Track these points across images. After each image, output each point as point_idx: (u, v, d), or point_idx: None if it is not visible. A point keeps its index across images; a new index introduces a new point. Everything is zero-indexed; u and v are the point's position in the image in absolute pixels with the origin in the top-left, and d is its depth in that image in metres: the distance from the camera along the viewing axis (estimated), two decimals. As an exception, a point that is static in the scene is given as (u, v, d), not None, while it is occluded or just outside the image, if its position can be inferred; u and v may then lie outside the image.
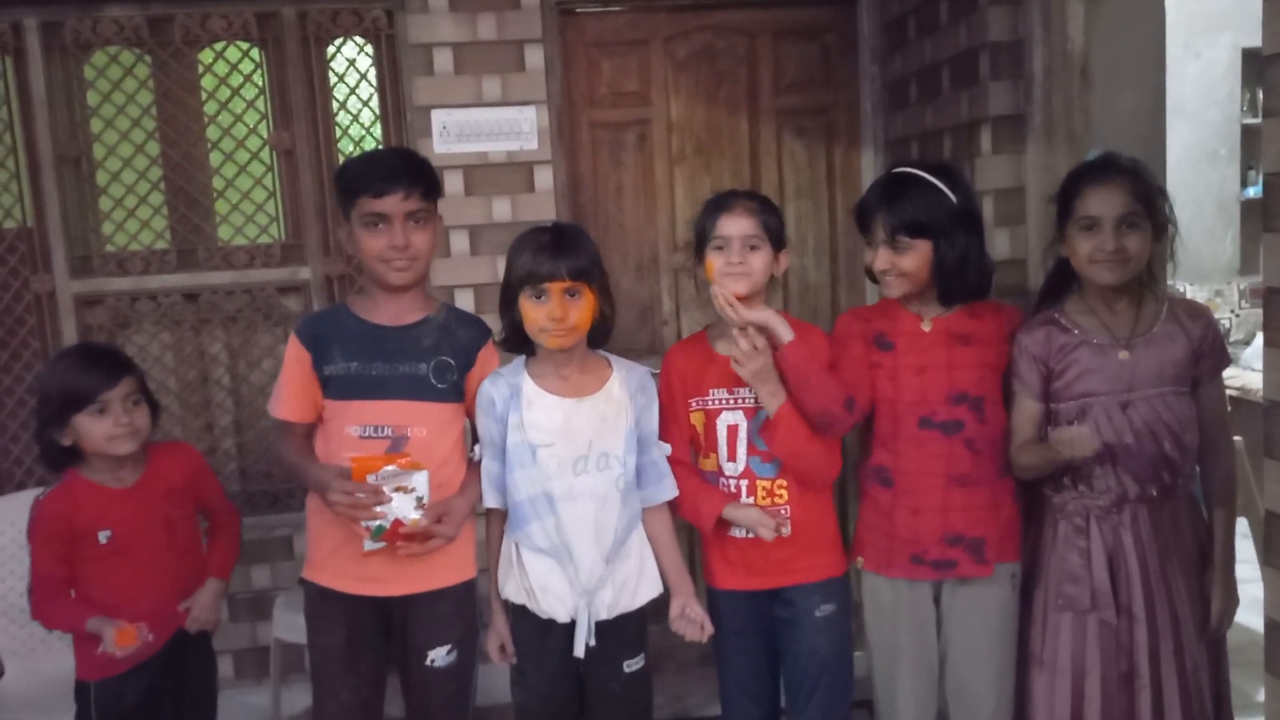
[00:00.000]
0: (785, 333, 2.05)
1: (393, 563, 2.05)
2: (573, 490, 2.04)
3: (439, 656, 2.12)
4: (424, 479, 1.99)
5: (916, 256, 2.11)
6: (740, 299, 2.08)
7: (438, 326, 2.13)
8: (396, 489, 1.96)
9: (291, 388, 2.11)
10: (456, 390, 2.13)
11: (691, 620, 2.11)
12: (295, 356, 2.11)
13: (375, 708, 2.18)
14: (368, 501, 1.95)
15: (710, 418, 2.18)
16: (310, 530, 2.16)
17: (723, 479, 2.18)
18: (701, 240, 2.16)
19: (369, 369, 2.07)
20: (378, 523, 1.97)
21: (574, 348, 2.06)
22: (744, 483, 2.16)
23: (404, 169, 2.07)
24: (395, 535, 1.99)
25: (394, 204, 2.03)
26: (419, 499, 1.98)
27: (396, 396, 2.06)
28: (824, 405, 2.07)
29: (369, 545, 2.01)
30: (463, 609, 2.17)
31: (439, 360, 2.10)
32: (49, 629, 2.22)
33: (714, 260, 2.12)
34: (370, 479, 1.95)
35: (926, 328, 2.18)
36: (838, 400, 2.09)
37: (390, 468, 1.96)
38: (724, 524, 2.16)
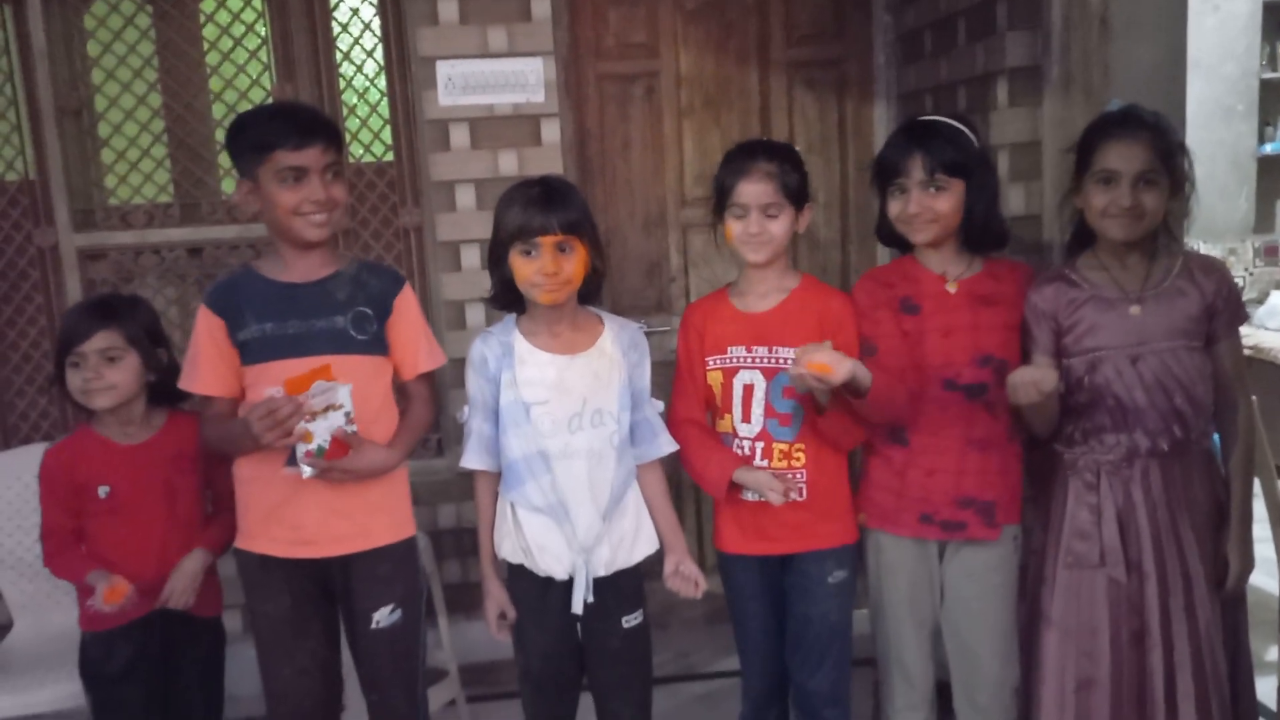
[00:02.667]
0: (867, 378, 1.99)
1: (329, 523, 2.04)
2: (568, 448, 2.02)
3: (383, 617, 2.10)
4: (348, 393, 1.95)
5: (952, 197, 2.08)
6: (763, 265, 2.11)
7: (349, 279, 2.08)
8: (327, 407, 1.92)
9: (208, 360, 2.04)
10: (379, 342, 2.09)
11: (686, 578, 2.11)
12: (207, 326, 2.04)
13: (333, 666, 2.17)
14: (289, 411, 1.87)
15: (728, 376, 2.15)
16: (240, 499, 2.11)
17: (737, 441, 2.16)
18: (722, 196, 2.12)
19: (284, 328, 2.02)
20: (317, 443, 1.93)
21: (566, 303, 2.03)
22: (759, 445, 2.13)
23: (319, 122, 2.03)
24: (338, 453, 1.96)
25: (314, 157, 1.98)
26: (347, 414, 1.95)
27: (317, 352, 2.00)
28: (896, 415, 2.10)
29: (308, 472, 1.95)
30: (404, 568, 2.15)
31: (356, 312, 2.06)
32: (58, 579, 2.23)
33: (733, 227, 2.11)
34: (301, 400, 1.89)
35: (951, 289, 2.14)
36: (905, 403, 2.09)
37: (320, 383, 1.91)
38: (736, 487, 2.14)
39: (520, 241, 1.97)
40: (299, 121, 2.00)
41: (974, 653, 2.19)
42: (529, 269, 1.97)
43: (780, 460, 2.13)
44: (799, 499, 2.11)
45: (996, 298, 2.13)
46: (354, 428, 1.98)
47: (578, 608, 2.03)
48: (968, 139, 2.10)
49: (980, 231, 2.12)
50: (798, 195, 2.11)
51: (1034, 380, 1.93)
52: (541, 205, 1.96)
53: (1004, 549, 2.16)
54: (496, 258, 2.04)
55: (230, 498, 2.25)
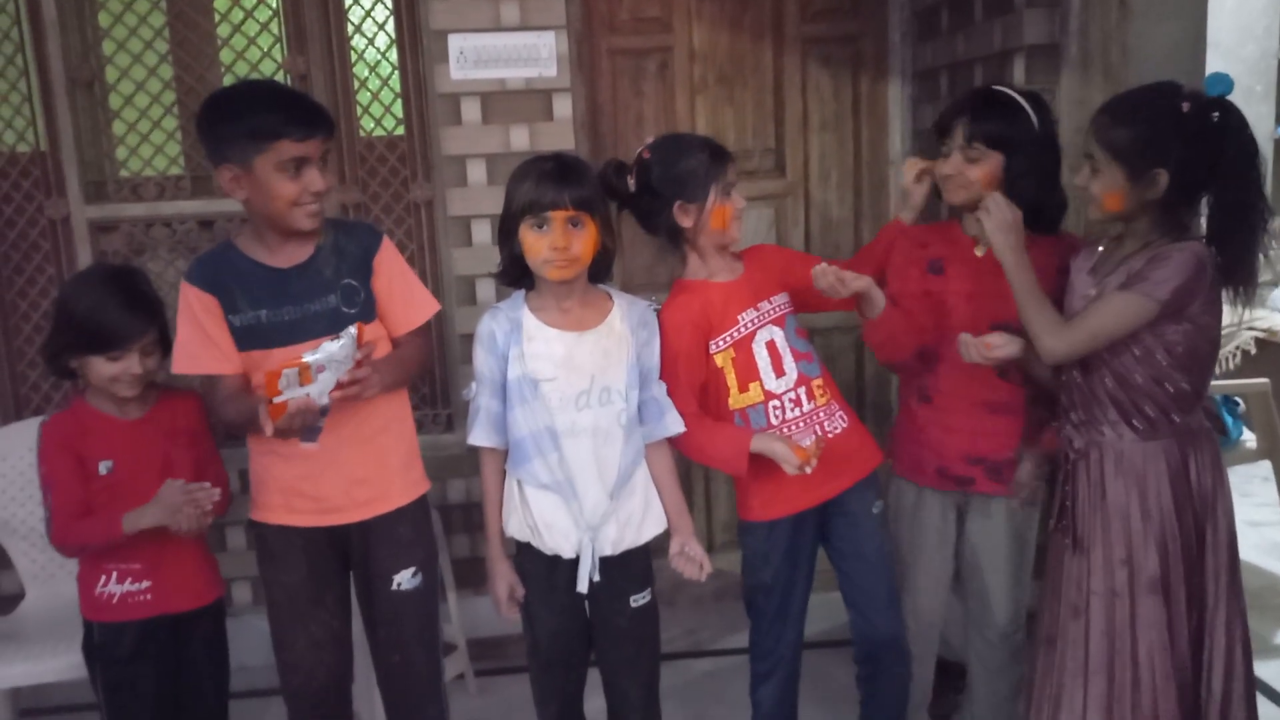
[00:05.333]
0: (880, 300, 2.09)
1: (351, 491, 2.07)
2: (575, 425, 2.02)
3: (405, 579, 2.13)
4: (314, 353, 1.86)
5: (986, 168, 2.13)
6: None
7: (331, 251, 2.06)
8: (319, 371, 1.87)
9: (210, 340, 2.01)
10: (370, 308, 2.08)
11: (691, 559, 2.11)
12: (201, 304, 2.01)
13: (345, 637, 2.18)
14: (304, 421, 1.86)
15: (743, 347, 2.13)
16: (255, 472, 2.11)
17: (775, 402, 2.13)
18: (700, 182, 2.08)
19: (280, 315, 2.01)
20: (321, 405, 1.88)
21: (575, 280, 2.02)
22: (801, 390, 2.15)
23: (320, 110, 2.00)
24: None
25: (316, 147, 1.97)
26: (332, 361, 1.88)
27: (315, 335, 1.97)
28: (902, 360, 2.24)
29: (307, 444, 1.93)
30: (422, 529, 2.18)
31: (344, 286, 2.05)
32: (71, 555, 2.20)
33: (728, 207, 2.10)
34: (282, 385, 1.83)
35: (979, 252, 2.21)
36: (909, 345, 2.20)
37: (286, 372, 1.83)
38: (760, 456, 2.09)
39: (531, 215, 1.96)
40: (305, 110, 1.98)
41: (991, 598, 2.31)
42: (540, 243, 1.96)
43: (822, 397, 2.17)
44: (843, 425, 2.17)
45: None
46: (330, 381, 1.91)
47: (583, 586, 2.03)
48: (1024, 117, 2.11)
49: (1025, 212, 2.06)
50: None
51: (975, 343, 1.99)
52: (554, 180, 1.95)
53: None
54: (507, 231, 2.03)
55: (215, 473, 2.22)
